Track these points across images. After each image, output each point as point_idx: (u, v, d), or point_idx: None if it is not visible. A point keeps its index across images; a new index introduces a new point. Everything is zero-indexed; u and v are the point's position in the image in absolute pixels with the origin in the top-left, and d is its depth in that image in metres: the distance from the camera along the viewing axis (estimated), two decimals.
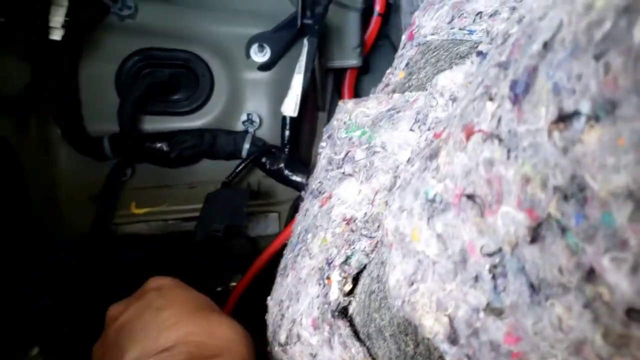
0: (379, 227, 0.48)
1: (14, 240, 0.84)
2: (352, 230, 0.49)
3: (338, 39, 1.05)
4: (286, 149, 0.90)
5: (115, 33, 0.90)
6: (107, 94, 0.90)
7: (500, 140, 0.29)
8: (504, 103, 0.28)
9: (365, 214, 0.50)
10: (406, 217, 0.36)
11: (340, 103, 0.61)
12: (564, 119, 0.25)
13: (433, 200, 0.33)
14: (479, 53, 0.41)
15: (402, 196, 0.37)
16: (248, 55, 0.93)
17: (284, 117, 0.89)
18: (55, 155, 0.91)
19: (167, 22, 0.91)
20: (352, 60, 1.09)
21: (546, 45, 0.26)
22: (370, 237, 0.47)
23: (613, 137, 0.24)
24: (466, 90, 0.37)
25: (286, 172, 0.89)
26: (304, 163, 0.99)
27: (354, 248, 0.47)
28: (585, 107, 0.24)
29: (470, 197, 0.31)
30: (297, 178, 0.89)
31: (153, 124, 0.92)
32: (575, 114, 0.25)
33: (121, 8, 0.89)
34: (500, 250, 0.29)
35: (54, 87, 0.86)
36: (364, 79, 1.20)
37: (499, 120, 0.29)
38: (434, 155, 0.35)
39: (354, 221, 0.50)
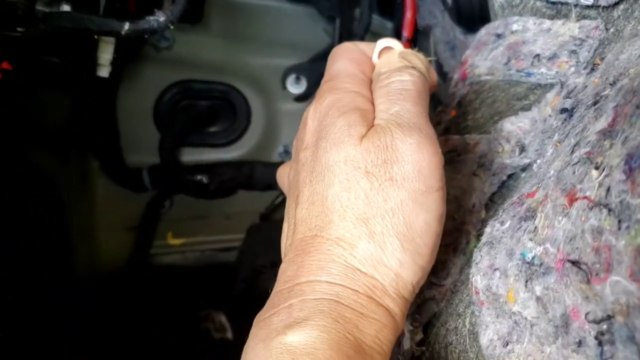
0: (447, 274, 0.48)
1: (54, 272, 0.84)
2: None
3: None
4: None
5: (152, 65, 0.91)
6: (145, 126, 0.90)
7: (610, 210, 0.29)
8: (614, 173, 0.28)
9: None
10: (499, 277, 0.36)
11: None
12: None
13: (532, 263, 0.33)
14: (564, 110, 0.41)
15: (493, 254, 0.37)
16: (284, 87, 0.93)
17: None
18: (92, 187, 0.91)
19: (203, 54, 0.92)
20: None
21: None
22: (440, 285, 0.47)
23: None
24: (554, 148, 0.37)
25: None
26: None
27: (423, 296, 0.47)
28: None
29: (575, 263, 0.31)
30: None
31: (191, 155, 0.92)
32: None
33: (159, 40, 0.89)
34: (609, 317, 0.29)
35: (93, 120, 0.86)
36: None
37: (608, 190, 0.29)
38: (529, 217, 0.35)
39: None
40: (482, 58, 0.60)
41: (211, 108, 0.92)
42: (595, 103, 0.34)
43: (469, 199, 0.51)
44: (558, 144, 0.37)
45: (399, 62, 0.43)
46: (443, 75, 1.04)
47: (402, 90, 0.41)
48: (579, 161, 0.32)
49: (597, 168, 0.30)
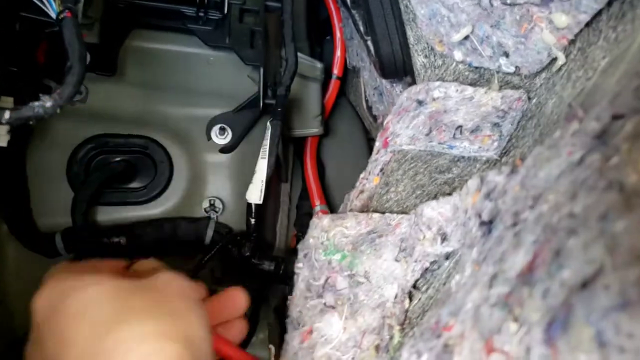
0: None
1: None
2: None
3: (299, 108, 1.02)
4: (252, 237, 0.86)
5: (64, 119, 0.85)
6: (57, 186, 0.84)
7: None
8: (534, 332, 0.25)
9: (353, 358, 0.46)
10: None
11: (315, 219, 0.58)
12: None
13: None
14: (483, 223, 0.38)
15: None
16: (209, 137, 0.89)
17: (249, 204, 0.85)
18: (3, 252, 0.84)
19: (120, 106, 0.86)
20: (313, 128, 1.06)
21: (586, 285, 0.23)
22: None
23: None
24: (473, 271, 0.34)
25: (253, 260, 0.85)
26: (269, 244, 0.95)
27: None
28: None
29: None
30: (264, 267, 0.85)
31: (109, 214, 0.86)
32: None
33: None
34: None
35: None
36: (324, 141, 1.18)
37: (528, 351, 0.25)
38: (448, 355, 0.32)
39: None
40: (404, 126, 0.58)
41: (129, 163, 0.86)
42: (514, 224, 0.31)
43: (391, 288, 0.48)
44: (477, 267, 0.34)
45: None
46: (373, 117, 1.02)
47: None
48: (497, 303, 0.28)
49: (515, 320, 0.27)
